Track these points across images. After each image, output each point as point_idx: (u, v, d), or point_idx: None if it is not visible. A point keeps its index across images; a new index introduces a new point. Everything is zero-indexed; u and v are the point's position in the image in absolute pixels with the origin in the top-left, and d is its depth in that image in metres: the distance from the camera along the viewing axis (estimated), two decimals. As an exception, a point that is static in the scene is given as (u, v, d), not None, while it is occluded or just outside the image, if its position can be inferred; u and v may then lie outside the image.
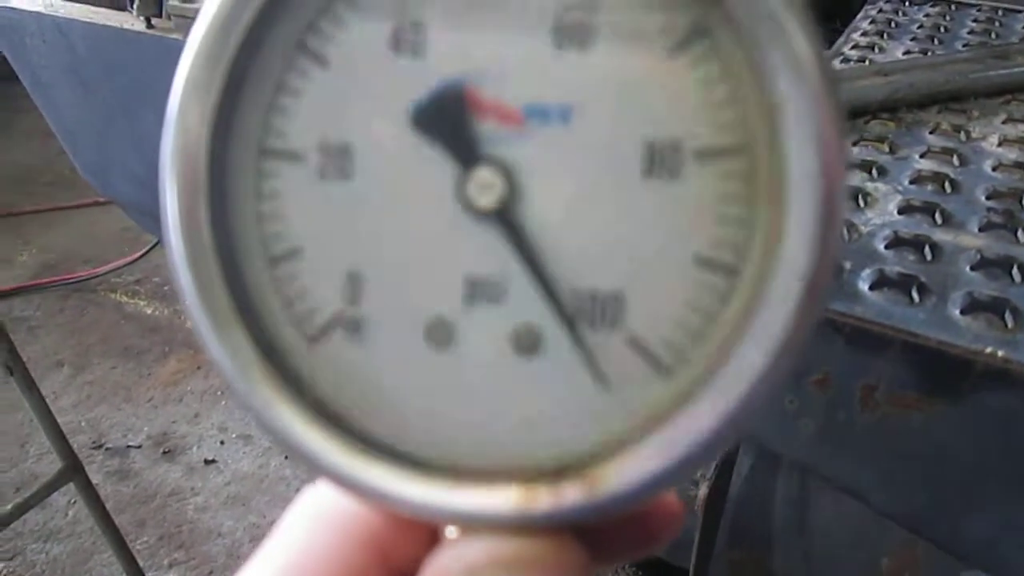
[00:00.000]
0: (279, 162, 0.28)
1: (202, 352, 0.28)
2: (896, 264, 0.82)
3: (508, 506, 0.26)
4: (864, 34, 1.41)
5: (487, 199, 0.27)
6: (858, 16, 1.51)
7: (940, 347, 0.72)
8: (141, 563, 1.89)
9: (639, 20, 0.26)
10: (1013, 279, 0.80)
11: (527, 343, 0.27)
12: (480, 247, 0.27)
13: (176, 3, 1.34)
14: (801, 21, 0.25)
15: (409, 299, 0.28)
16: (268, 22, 0.27)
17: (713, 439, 0.26)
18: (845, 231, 0.88)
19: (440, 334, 0.28)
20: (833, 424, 0.83)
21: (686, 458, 0.26)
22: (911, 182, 0.97)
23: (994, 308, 0.76)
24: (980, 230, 0.88)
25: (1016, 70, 1.18)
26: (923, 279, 0.79)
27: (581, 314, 0.27)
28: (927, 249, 0.84)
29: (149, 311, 2.99)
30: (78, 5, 1.46)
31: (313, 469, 0.28)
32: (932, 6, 1.54)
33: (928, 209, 0.91)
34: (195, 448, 2.41)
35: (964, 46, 1.37)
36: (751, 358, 0.25)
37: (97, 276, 3.13)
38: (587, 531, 0.27)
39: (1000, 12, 1.51)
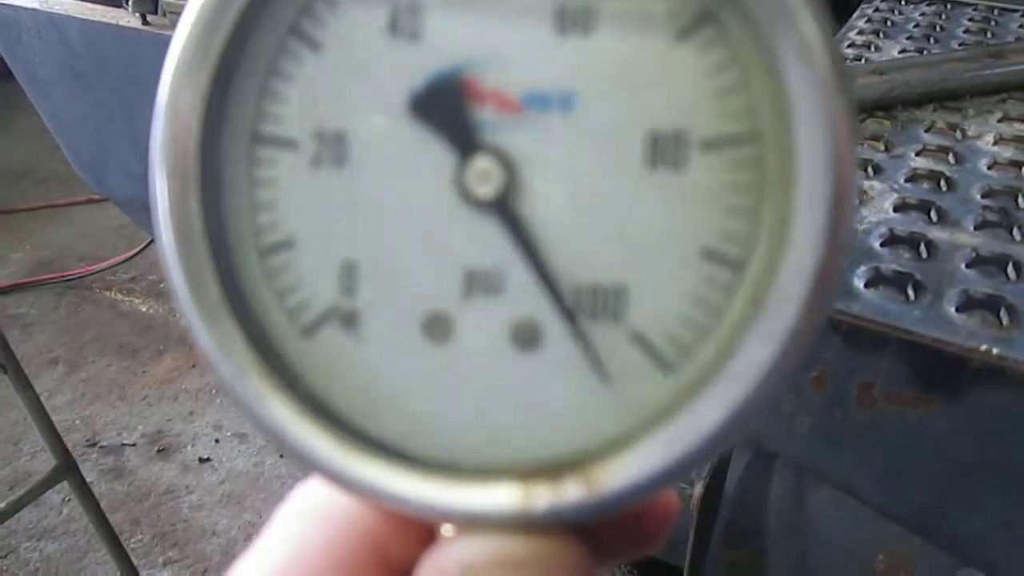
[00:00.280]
0: (272, 149, 0.28)
1: (197, 351, 0.28)
2: (892, 262, 0.82)
3: (507, 504, 0.26)
4: (860, 33, 1.41)
5: (485, 189, 0.26)
6: (854, 15, 1.51)
7: (936, 345, 0.72)
8: (135, 562, 1.88)
9: (644, 4, 0.26)
10: (1008, 277, 0.80)
11: (526, 337, 0.27)
12: (478, 238, 0.27)
13: (171, -1, 1.34)
14: (810, 5, 0.24)
15: (405, 291, 0.27)
16: (261, 5, 0.27)
17: (717, 437, 0.25)
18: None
19: (437, 327, 0.27)
20: (829, 422, 0.82)
21: (688, 456, 0.25)
22: (907, 180, 0.97)
23: (989, 306, 0.76)
24: (975, 228, 0.88)
25: (1011, 69, 1.18)
26: (919, 277, 0.79)
27: (582, 308, 0.26)
28: (923, 247, 0.84)
29: (144, 309, 2.97)
30: (73, 2, 1.46)
31: (307, 465, 0.27)
32: (928, 5, 1.54)
33: (924, 207, 0.91)
34: (190, 446, 2.41)
35: (960, 45, 1.37)
36: (757, 354, 0.25)
37: (92, 274, 3.12)
38: (587, 529, 0.27)
39: (996, 11, 1.51)
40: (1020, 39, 1.39)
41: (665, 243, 0.26)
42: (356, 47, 0.27)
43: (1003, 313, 0.75)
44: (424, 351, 0.27)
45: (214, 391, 2.57)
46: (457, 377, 0.27)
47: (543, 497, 0.25)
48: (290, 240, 0.28)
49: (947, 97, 1.15)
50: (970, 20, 1.48)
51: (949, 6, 1.54)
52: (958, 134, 1.08)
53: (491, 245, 0.27)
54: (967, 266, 0.81)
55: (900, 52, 1.33)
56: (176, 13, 1.33)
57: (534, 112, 0.26)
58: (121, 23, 1.38)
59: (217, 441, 2.42)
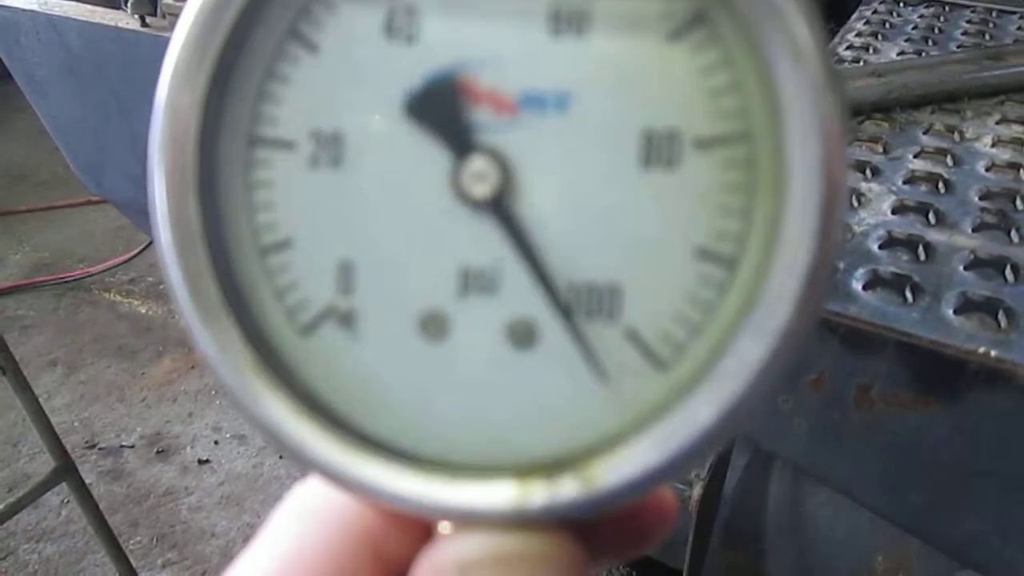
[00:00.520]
0: (270, 150, 0.28)
1: (196, 351, 0.28)
2: (890, 264, 0.82)
3: (503, 501, 0.26)
4: (858, 35, 1.42)
5: (481, 189, 0.27)
6: (852, 17, 1.51)
7: (934, 347, 0.72)
8: (134, 563, 1.88)
9: (638, 6, 0.26)
10: (1006, 279, 0.80)
11: (522, 336, 0.27)
12: (474, 238, 0.27)
13: (170, 1, 1.34)
14: (802, 7, 0.25)
15: (402, 291, 0.28)
16: (259, 7, 0.27)
17: (711, 434, 0.25)
18: (847, 223, 0.88)
19: (433, 326, 0.27)
20: (828, 424, 0.82)
21: (683, 453, 0.25)
22: (905, 182, 0.98)
23: (987, 308, 0.76)
24: (973, 230, 0.88)
25: (1010, 71, 1.18)
26: (917, 279, 0.79)
27: (577, 306, 0.27)
28: (921, 249, 0.84)
29: (143, 310, 2.97)
30: (72, 3, 1.46)
31: (304, 464, 0.27)
32: (926, 7, 1.55)
33: (922, 209, 0.91)
34: (189, 448, 2.40)
35: (958, 47, 1.37)
36: (750, 352, 0.25)
37: (91, 275, 3.12)
38: (583, 527, 0.27)
39: (994, 13, 1.52)
40: (1018, 41, 1.40)
41: (659, 242, 0.26)
42: (353, 49, 0.27)
43: (1001, 315, 0.75)
44: (420, 350, 0.28)
45: (213, 393, 2.57)
46: (453, 375, 0.27)
47: (539, 494, 0.26)
48: (288, 240, 0.28)
49: (945, 99, 1.16)
50: (968, 22, 1.48)
51: (947, 8, 1.54)
52: (956, 136, 1.08)
53: (487, 244, 0.27)
54: (965, 268, 0.81)
55: (898, 54, 1.33)
56: (175, 15, 1.33)
57: (529, 113, 0.27)
58: (120, 25, 1.38)
59: (216, 443, 2.42)
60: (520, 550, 0.26)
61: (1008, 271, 0.81)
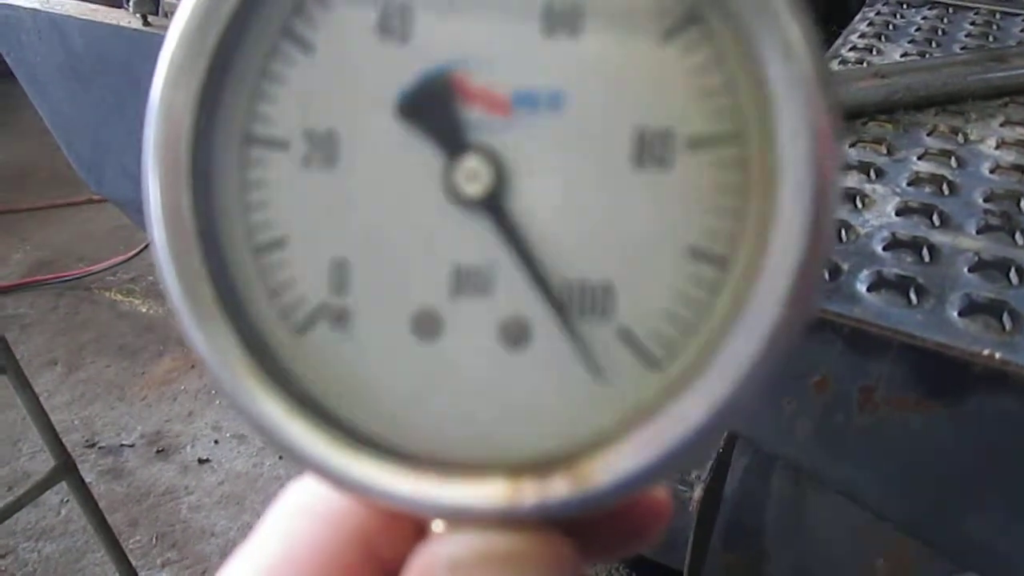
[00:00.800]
0: (264, 149, 0.28)
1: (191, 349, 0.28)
2: (894, 266, 0.82)
3: (495, 500, 0.26)
4: (862, 36, 1.41)
5: (474, 188, 0.27)
6: (856, 18, 1.51)
7: (938, 349, 0.72)
8: (134, 562, 1.88)
9: (631, 5, 0.26)
10: (1011, 281, 0.80)
11: (515, 335, 0.27)
12: (467, 237, 0.27)
13: (172, 0, 1.34)
14: (794, 8, 0.25)
15: (395, 290, 0.28)
16: (253, 5, 0.27)
17: (702, 433, 0.25)
18: (842, 232, 0.87)
19: (427, 325, 0.27)
20: (831, 426, 0.82)
21: (675, 452, 0.25)
22: (909, 184, 0.97)
23: (992, 310, 0.76)
24: (978, 232, 0.87)
25: (1014, 72, 1.18)
26: (921, 281, 0.79)
27: (570, 305, 0.27)
28: (925, 251, 0.84)
29: (143, 309, 2.98)
30: (74, 2, 1.46)
31: (298, 462, 0.28)
32: (930, 8, 1.54)
33: (926, 211, 0.91)
34: (189, 447, 2.41)
35: (962, 48, 1.37)
36: (741, 351, 0.25)
37: (91, 274, 3.12)
38: (575, 526, 0.27)
39: (998, 15, 1.51)
40: (1022, 43, 1.39)
41: (652, 241, 0.26)
42: (346, 48, 0.27)
43: (1006, 317, 0.74)
44: (414, 349, 0.28)
45: (213, 392, 2.57)
46: (446, 374, 0.27)
47: (531, 493, 0.26)
48: (282, 239, 0.28)
49: (949, 101, 1.15)
50: (972, 24, 1.48)
51: (951, 10, 1.54)
52: (960, 138, 1.08)
53: (480, 243, 0.27)
54: (969, 270, 0.81)
55: (902, 56, 1.33)
56: (177, 14, 1.33)
57: (522, 112, 0.27)
58: (122, 24, 1.38)
59: (216, 442, 2.42)
60: (511, 548, 0.25)
61: (1013, 273, 0.80)
